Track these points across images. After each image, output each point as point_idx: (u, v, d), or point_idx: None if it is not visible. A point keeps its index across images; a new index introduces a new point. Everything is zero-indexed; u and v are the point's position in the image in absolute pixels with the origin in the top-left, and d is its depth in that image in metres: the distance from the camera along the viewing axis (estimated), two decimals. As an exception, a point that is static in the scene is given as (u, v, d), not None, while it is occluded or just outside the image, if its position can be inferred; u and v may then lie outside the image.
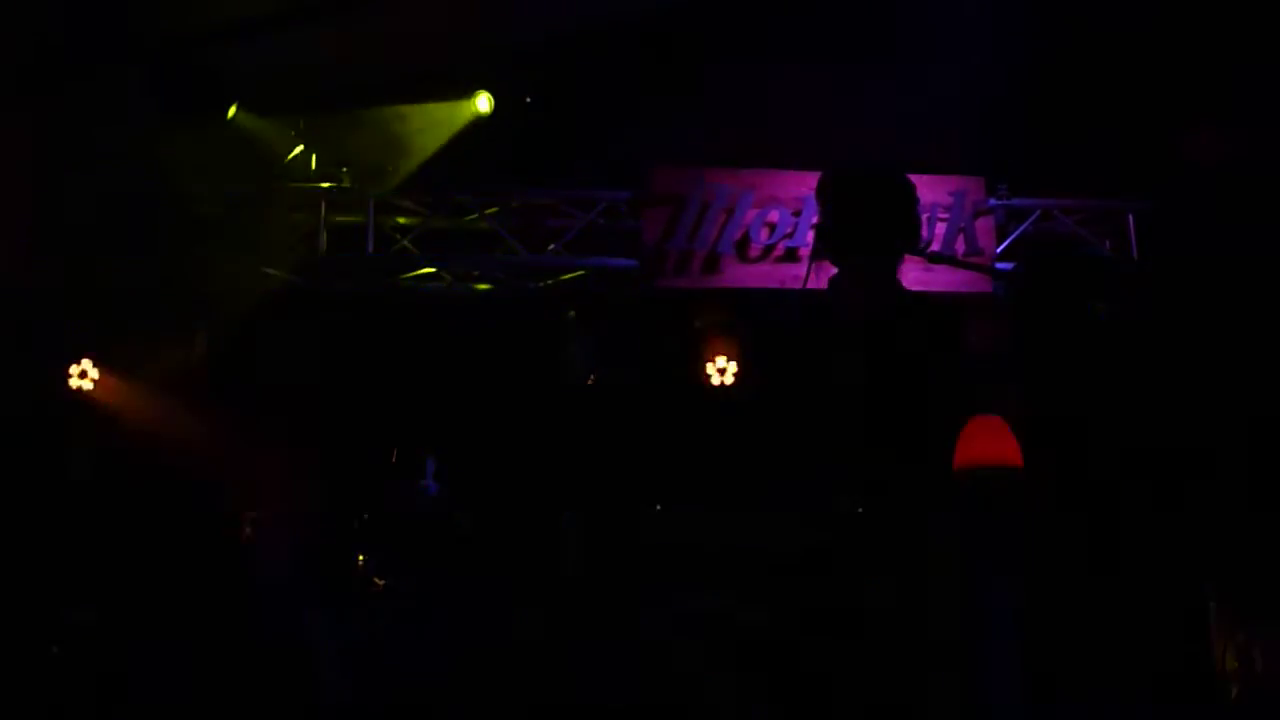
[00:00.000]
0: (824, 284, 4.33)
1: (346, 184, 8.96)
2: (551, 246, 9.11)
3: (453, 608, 6.73)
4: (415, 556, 6.88)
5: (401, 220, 9.17)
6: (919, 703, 3.64)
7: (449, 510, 7.27)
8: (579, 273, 9.18)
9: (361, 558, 6.92)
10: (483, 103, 8.67)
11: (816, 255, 4.49)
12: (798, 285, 4.22)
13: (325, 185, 8.95)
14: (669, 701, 3.80)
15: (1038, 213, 9.19)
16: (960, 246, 8.88)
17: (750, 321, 8.89)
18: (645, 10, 8.07)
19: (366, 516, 6.64)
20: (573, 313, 8.95)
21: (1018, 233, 9.12)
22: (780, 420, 4.46)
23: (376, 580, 6.64)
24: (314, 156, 8.91)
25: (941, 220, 8.95)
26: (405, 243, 9.09)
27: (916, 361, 4.11)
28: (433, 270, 9.24)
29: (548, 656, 4.00)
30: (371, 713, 5.96)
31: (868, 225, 4.09)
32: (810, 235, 8.75)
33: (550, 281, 9.22)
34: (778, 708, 3.73)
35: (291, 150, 8.80)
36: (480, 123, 8.69)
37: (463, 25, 7.97)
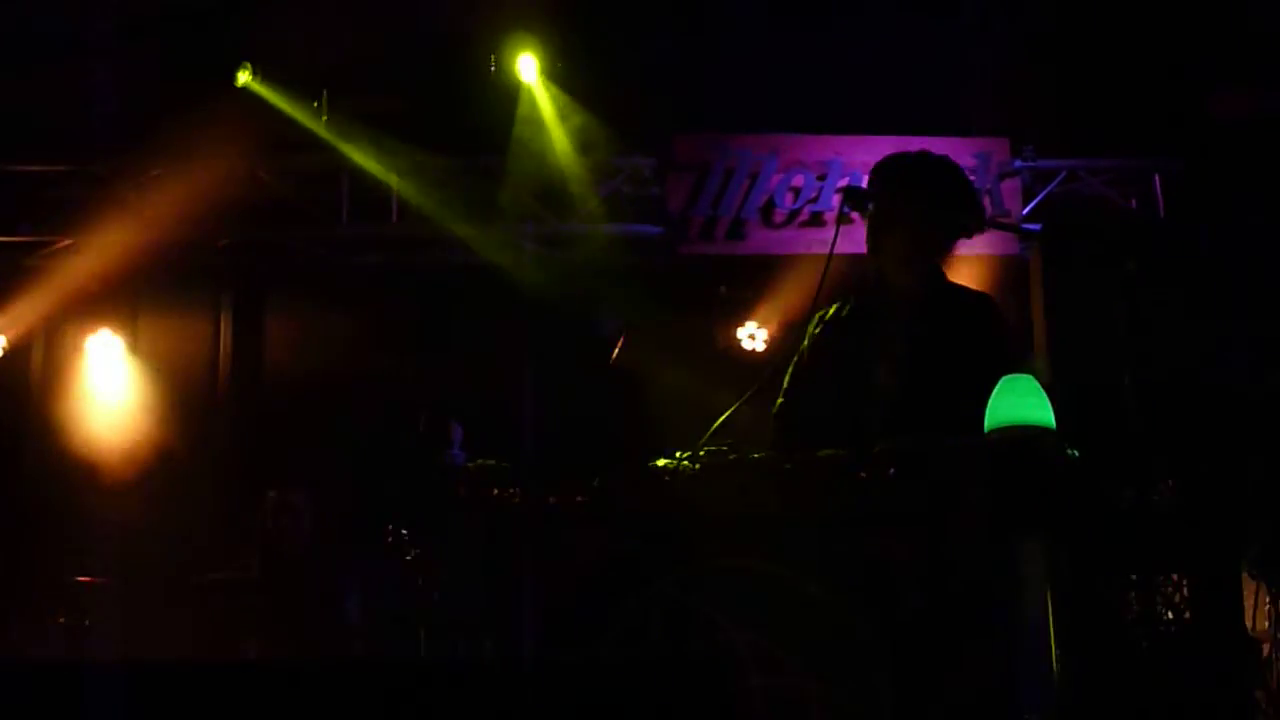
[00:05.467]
0: (850, 248, 4.37)
1: (369, 155, 8.94)
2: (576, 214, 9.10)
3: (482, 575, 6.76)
4: (445, 526, 6.89)
5: (422, 190, 9.14)
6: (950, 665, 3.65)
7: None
8: (604, 240, 9.19)
9: (391, 528, 6.93)
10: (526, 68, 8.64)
11: (842, 219, 4.53)
12: (824, 250, 4.23)
13: (348, 156, 8.94)
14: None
15: (1064, 173, 9.12)
16: (986, 209, 8.83)
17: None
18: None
19: (396, 486, 6.64)
20: (599, 280, 8.92)
21: (1044, 194, 9.06)
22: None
23: (408, 549, 6.65)
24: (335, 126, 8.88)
25: (966, 182, 8.89)
26: (427, 213, 9.06)
27: (958, 339, 4.19)
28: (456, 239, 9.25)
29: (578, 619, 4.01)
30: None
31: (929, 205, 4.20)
32: (835, 199, 8.71)
33: (575, 249, 9.24)
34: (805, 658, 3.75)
35: (312, 121, 8.78)
36: (510, 89, 8.65)
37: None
